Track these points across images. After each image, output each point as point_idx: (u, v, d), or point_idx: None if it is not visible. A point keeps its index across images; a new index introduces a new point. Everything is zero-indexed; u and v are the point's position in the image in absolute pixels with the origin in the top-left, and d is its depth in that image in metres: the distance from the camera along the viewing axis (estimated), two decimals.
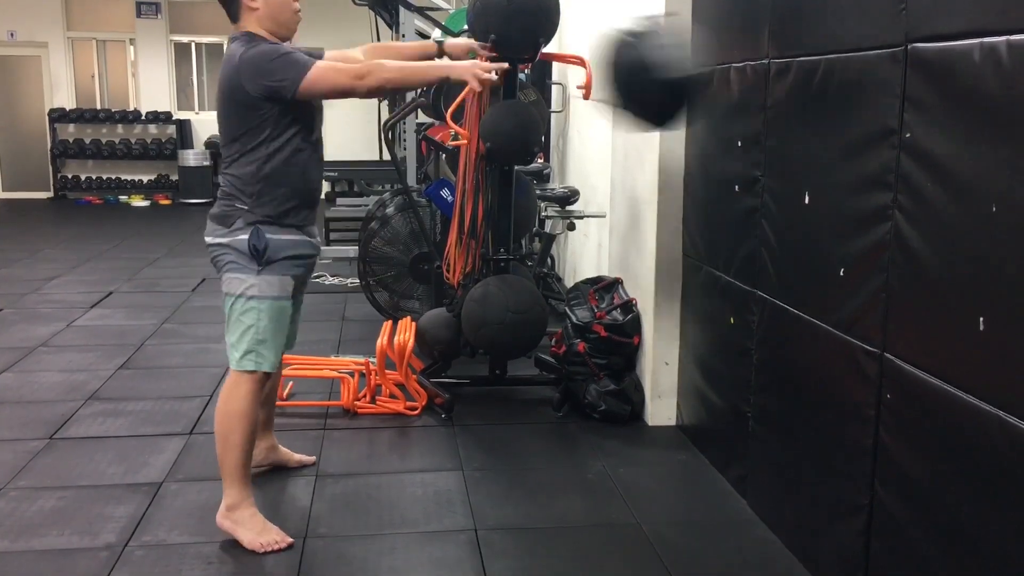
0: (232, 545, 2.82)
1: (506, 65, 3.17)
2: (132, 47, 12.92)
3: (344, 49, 3.12)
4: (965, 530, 1.96)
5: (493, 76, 3.10)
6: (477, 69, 3.06)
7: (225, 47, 2.87)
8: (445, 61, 3.07)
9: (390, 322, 4.34)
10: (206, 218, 2.90)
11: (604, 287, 4.20)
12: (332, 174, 8.58)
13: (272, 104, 2.72)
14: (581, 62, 4.11)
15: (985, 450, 1.87)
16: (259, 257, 2.78)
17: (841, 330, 2.45)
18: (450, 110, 3.98)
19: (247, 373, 2.83)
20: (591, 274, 4.94)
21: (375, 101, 8.36)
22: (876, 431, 2.29)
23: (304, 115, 2.82)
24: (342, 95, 2.80)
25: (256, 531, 2.82)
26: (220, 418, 2.85)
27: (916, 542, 2.13)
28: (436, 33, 6.70)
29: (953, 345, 1.98)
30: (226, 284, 2.85)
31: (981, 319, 1.87)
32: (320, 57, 2.87)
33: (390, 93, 2.77)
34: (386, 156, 8.18)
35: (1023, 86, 1.75)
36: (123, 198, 12.67)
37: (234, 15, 2.84)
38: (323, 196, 9.95)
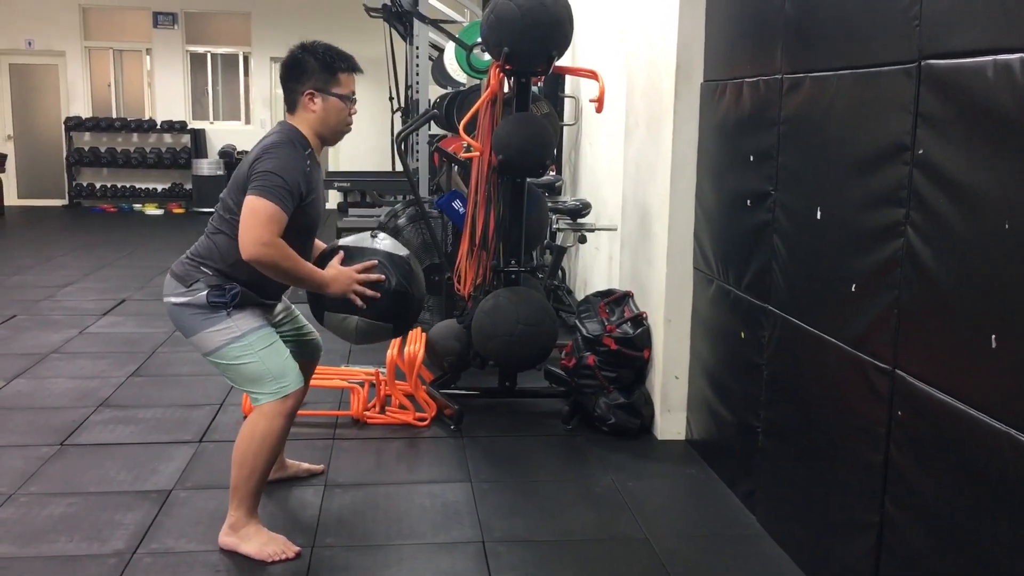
0: (240, 554, 2.81)
1: (381, 277, 2.87)
2: (148, 57, 13.02)
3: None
4: (976, 549, 1.94)
5: (370, 293, 2.85)
6: (355, 285, 2.83)
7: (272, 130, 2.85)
8: (326, 271, 2.82)
9: None
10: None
11: (615, 300, 4.19)
12: (344, 184, 8.61)
13: None
14: (594, 75, 4.12)
15: (996, 468, 1.86)
16: (224, 306, 2.76)
17: (852, 346, 2.44)
18: (463, 122, 4.01)
19: (279, 403, 2.78)
20: (602, 287, 4.94)
21: (388, 112, 8.41)
22: (887, 448, 2.27)
23: (306, 219, 2.81)
24: (244, 243, 2.63)
25: (263, 542, 2.82)
26: (244, 446, 2.79)
27: (926, 560, 2.12)
28: (449, 57, 6.71)
29: (965, 362, 1.97)
30: (202, 345, 2.80)
31: (993, 336, 1.86)
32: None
33: (280, 278, 2.74)
34: (399, 167, 8.22)
35: None
36: (137, 206, 12.75)
37: (291, 106, 2.87)
38: (335, 207, 10.00)
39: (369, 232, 3.09)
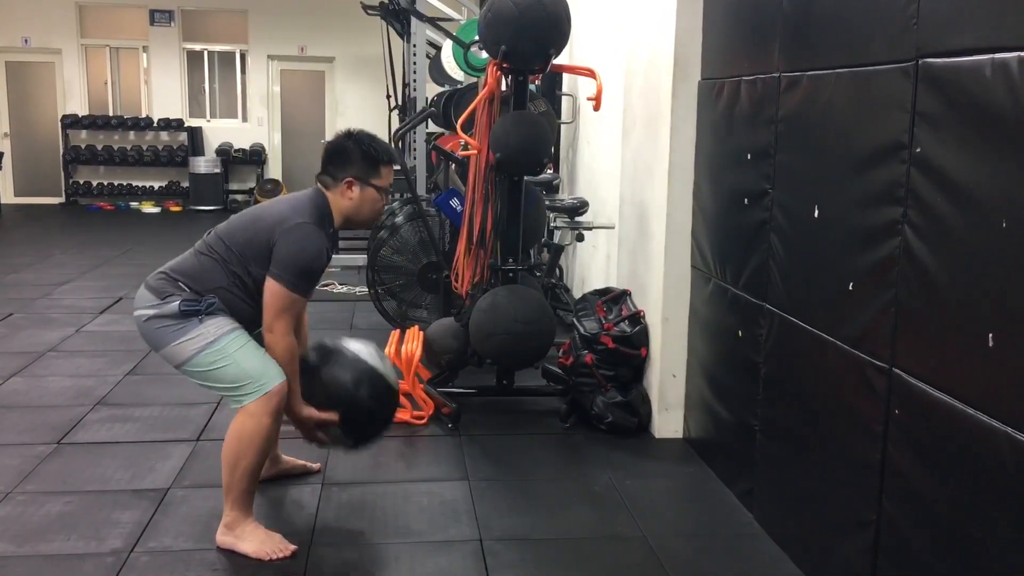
0: (237, 553, 2.81)
1: (333, 419, 2.91)
2: (145, 54, 12.99)
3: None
4: (973, 547, 1.94)
5: (321, 437, 2.96)
6: (312, 431, 2.94)
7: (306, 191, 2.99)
8: (299, 405, 2.88)
9: (398, 331, 4.35)
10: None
11: (612, 298, 4.19)
12: None
13: None
14: (591, 74, 4.12)
15: (993, 466, 1.86)
16: (197, 313, 2.77)
17: (850, 345, 2.45)
18: (460, 120, 4.01)
19: (261, 401, 2.76)
20: (599, 285, 4.94)
21: (386, 108, 8.40)
22: (884, 446, 2.28)
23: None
24: (266, 324, 2.78)
25: (260, 540, 2.82)
26: (231, 446, 2.78)
27: (923, 559, 2.12)
28: (446, 54, 6.71)
29: (962, 361, 1.97)
30: (174, 357, 2.79)
31: (990, 335, 1.86)
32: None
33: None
34: (396, 165, 8.22)
35: None
36: (134, 204, 12.73)
37: (329, 184, 2.93)
38: None
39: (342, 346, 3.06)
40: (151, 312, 2.79)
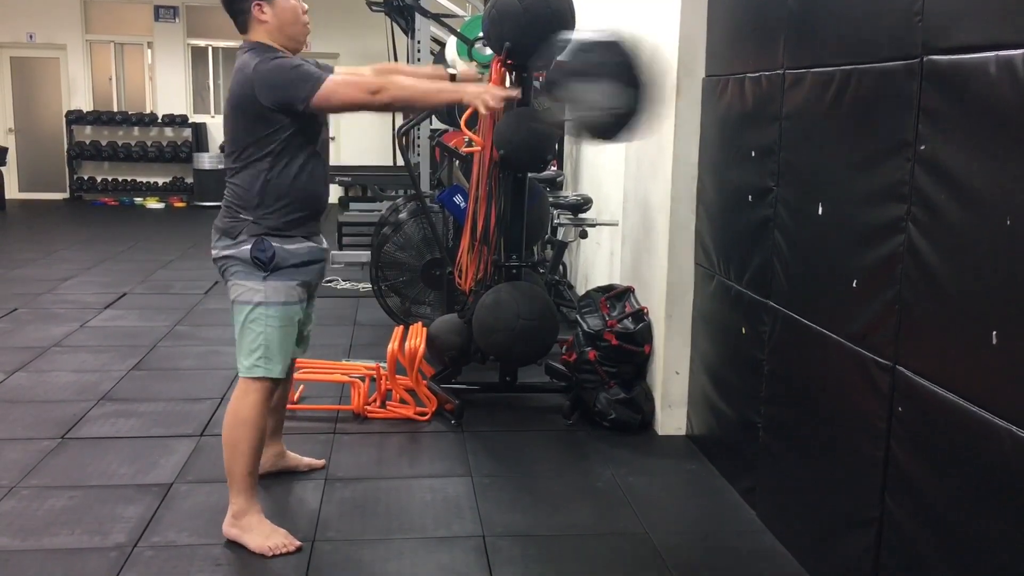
0: (241, 547, 2.83)
1: (518, 93, 3.11)
2: (149, 50, 13.01)
3: (357, 64, 3.11)
4: (975, 545, 1.94)
5: (501, 104, 3.02)
6: (487, 96, 2.96)
7: (237, 57, 2.84)
8: (457, 85, 2.96)
9: (401, 327, 4.35)
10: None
11: (616, 295, 4.19)
12: (346, 179, 8.60)
13: (283, 116, 2.73)
14: None
15: (996, 464, 1.86)
16: (264, 266, 2.78)
17: (853, 342, 2.44)
18: (464, 116, 4.00)
19: (256, 380, 2.83)
20: (603, 282, 4.94)
21: None
22: (887, 444, 2.28)
23: (309, 126, 2.82)
24: (354, 109, 2.78)
25: (264, 535, 2.83)
26: (229, 426, 2.85)
27: (926, 557, 2.12)
28: (451, 51, 6.72)
29: (966, 358, 1.97)
30: (233, 291, 2.85)
31: (994, 333, 1.86)
32: (331, 71, 2.86)
33: (401, 110, 2.74)
34: (400, 162, 8.21)
35: None
36: (138, 200, 12.75)
37: (243, 26, 2.86)
38: (336, 201, 9.98)
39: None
40: (226, 252, 2.82)
